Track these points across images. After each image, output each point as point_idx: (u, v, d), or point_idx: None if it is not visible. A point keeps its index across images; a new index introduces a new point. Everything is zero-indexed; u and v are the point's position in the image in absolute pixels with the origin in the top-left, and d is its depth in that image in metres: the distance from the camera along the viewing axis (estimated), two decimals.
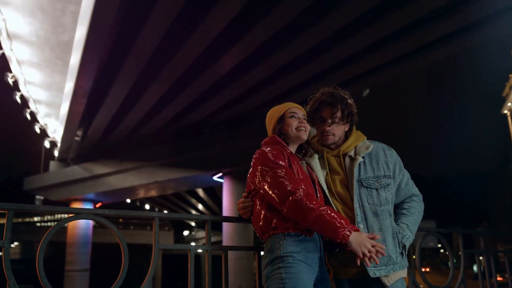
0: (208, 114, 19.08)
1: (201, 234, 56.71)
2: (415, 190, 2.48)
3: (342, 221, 1.97)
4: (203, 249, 2.37)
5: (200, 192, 36.96)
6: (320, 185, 2.31)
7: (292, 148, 2.34)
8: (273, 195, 2.05)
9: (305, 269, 2.02)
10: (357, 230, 2.02)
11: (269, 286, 2.02)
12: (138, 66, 14.14)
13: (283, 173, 2.06)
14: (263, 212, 2.13)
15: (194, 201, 40.77)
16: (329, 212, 1.97)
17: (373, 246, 1.97)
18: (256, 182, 2.16)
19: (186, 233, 58.16)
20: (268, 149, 2.19)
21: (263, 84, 16.25)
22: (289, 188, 2.00)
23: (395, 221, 2.36)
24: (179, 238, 55.72)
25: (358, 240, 1.97)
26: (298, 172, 2.16)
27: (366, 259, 1.96)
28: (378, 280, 2.22)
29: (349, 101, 2.42)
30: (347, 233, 1.95)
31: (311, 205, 1.95)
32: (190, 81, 15.55)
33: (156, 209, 45.25)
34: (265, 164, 2.11)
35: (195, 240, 56.69)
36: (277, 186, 2.04)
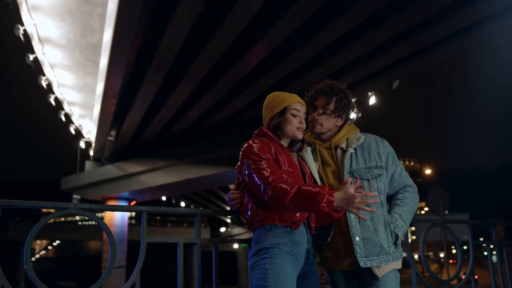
0: (236, 111, 19.08)
1: (237, 230, 57.06)
2: (408, 180, 2.46)
3: (318, 189, 1.93)
4: (192, 242, 2.39)
5: None
6: (312, 177, 2.31)
7: (284, 142, 2.34)
8: (255, 186, 2.07)
9: (289, 261, 2.03)
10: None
11: (252, 275, 2.04)
12: (165, 65, 14.23)
13: (265, 165, 2.08)
14: (250, 204, 2.15)
15: None
16: (302, 186, 1.95)
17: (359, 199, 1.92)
18: (243, 174, 2.18)
19: (222, 229, 58.76)
20: (255, 141, 2.21)
21: (290, 79, 16.15)
22: (269, 179, 2.01)
23: (389, 212, 2.34)
24: (216, 235, 56.32)
25: (344, 198, 1.91)
26: (285, 163, 2.16)
27: (365, 208, 1.95)
28: (370, 271, 2.21)
29: (348, 97, 2.42)
30: (330, 198, 1.89)
31: (286, 187, 1.94)
32: (217, 78, 15.59)
33: (192, 206, 45.81)
34: (249, 157, 2.14)
35: (231, 236, 57.05)
36: (258, 177, 2.06)
